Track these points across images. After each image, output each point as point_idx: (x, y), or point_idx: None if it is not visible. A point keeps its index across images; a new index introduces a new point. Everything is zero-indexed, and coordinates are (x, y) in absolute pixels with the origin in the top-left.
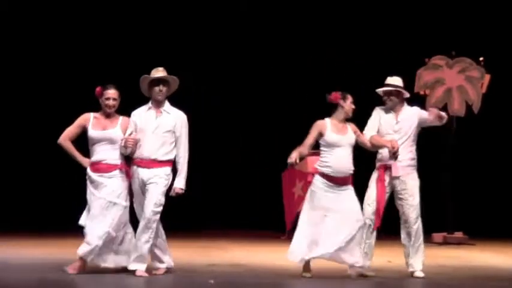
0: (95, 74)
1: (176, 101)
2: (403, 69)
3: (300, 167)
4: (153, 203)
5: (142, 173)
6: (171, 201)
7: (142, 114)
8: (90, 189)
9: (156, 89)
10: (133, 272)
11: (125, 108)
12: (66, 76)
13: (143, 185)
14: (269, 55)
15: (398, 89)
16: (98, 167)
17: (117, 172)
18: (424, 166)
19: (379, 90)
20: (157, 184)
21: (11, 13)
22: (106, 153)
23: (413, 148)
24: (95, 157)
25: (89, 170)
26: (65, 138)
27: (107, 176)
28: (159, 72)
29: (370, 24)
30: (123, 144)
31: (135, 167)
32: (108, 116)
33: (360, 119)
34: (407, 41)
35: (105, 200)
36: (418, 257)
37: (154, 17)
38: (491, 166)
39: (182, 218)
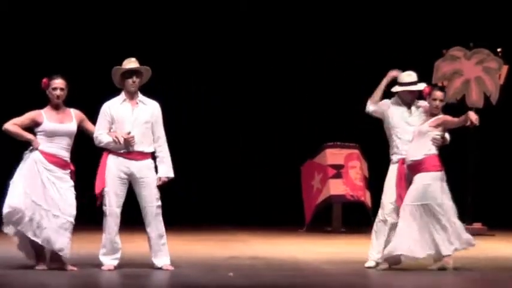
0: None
1: (178, 100)
2: (420, 60)
3: (319, 159)
4: (155, 198)
5: (130, 165)
6: (191, 196)
7: (118, 106)
8: (47, 177)
9: (130, 80)
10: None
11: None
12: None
13: (128, 177)
14: (269, 55)
15: (411, 88)
16: (55, 160)
17: (68, 171)
18: (443, 158)
19: (404, 90)
20: (151, 178)
21: None
22: (63, 149)
23: None
24: (51, 149)
25: (42, 158)
26: (11, 124)
27: (61, 172)
28: (131, 63)
29: (384, 18)
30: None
31: (115, 157)
32: (57, 107)
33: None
34: (425, 33)
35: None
36: None
37: (154, 16)
38: (510, 157)
39: (202, 211)
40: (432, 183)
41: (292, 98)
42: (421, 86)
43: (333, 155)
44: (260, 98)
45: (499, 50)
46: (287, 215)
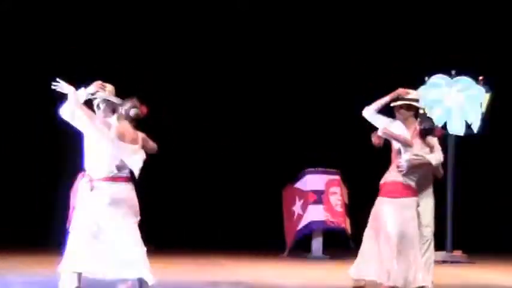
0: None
1: (176, 116)
2: (403, 87)
3: (300, 185)
4: None
5: None
6: (171, 219)
7: None
8: None
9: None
10: None
11: None
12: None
13: None
14: (250, 79)
15: (409, 102)
16: None
17: None
18: None
19: (393, 104)
20: None
21: None
22: None
23: None
24: None
25: None
26: None
27: None
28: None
29: (367, 45)
30: None
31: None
32: None
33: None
34: (408, 60)
35: None
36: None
37: (155, 19)
38: (490, 185)
39: (182, 235)
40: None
41: (274, 123)
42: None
43: (314, 181)
44: (242, 122)
45: (480, 78)
46: (268, 239)
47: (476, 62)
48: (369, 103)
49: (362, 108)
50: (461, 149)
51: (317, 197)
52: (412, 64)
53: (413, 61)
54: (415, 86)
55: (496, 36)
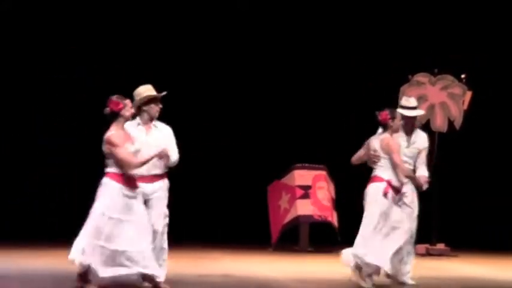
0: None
1: (170, 115)
2: (387, 86)
3: (286, 180)
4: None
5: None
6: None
7: (132, 130)
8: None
9: (157, 107)
10: None
11: None
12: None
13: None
14: (238, 76)
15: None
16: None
17: None
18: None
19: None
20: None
21: None
22: None
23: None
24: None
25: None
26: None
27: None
28: (153, 90)
29: (352, 43)
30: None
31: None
32: (123, 128)
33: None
34: (392, 59)
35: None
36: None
37: (155, 19)
38: (472, 180)
39: (172, 229)
40: None
41: (261, 119)
42: (419, 112)
43: (301, 176)
44: (229, 117)
45: (463, 76)
46: (255, 234)
47: (458, 61)
48: (364, 101)
49: (356, 106)
50: (444, 145)
51: (304, 191)
52: (411, 64)
53: (413, 61)
54: (398, 84)
55: (477, 35)
